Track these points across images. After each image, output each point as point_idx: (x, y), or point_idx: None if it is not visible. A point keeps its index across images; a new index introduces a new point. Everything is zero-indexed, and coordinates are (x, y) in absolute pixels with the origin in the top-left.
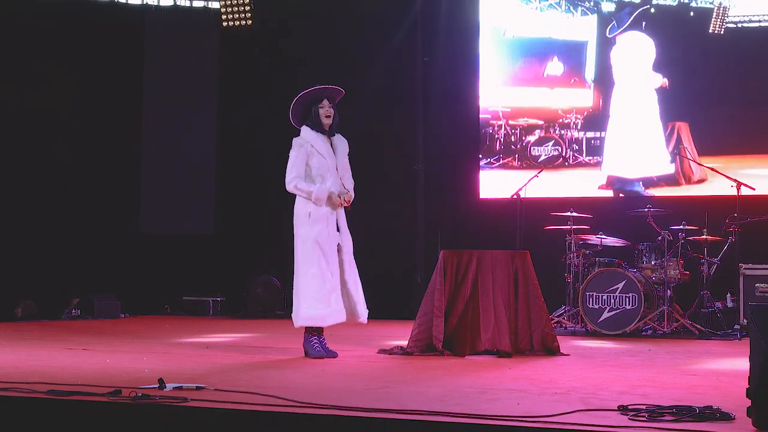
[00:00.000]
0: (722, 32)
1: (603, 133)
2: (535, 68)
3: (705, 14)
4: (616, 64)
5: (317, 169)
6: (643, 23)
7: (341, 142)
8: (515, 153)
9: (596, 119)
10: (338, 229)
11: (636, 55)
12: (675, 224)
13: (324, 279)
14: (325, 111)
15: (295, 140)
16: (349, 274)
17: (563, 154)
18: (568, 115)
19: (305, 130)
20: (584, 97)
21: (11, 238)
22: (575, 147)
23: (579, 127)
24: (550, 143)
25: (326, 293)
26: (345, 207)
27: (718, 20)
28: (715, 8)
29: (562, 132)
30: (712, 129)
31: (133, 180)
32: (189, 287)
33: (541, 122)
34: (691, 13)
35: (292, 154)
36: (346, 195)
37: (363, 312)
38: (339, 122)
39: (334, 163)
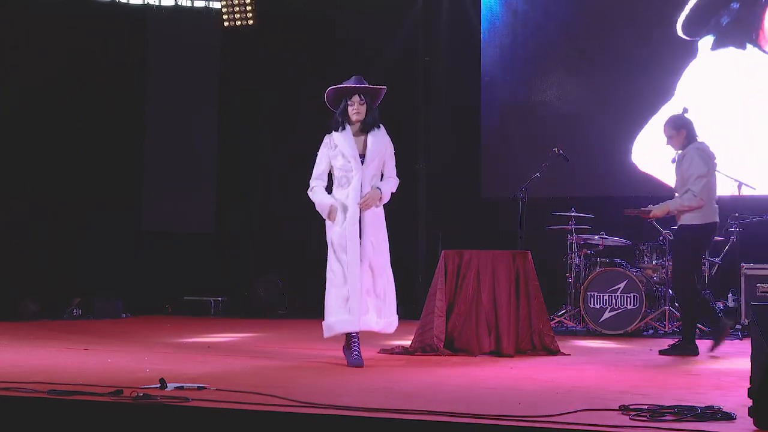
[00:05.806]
0: None
1: None
2: None
3: None
4: None
5: (340, 170)
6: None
7: (377, 140)
8: None
9: None
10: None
11: None
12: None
13: (336, 285)
14: (354, 108)
15: (325, 138)
16: (367, 282)
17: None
18: None
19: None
20: None
21: (13, 237)
22: None
23: None
24: None
25: (341, 300)
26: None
27: None
28: None
29: None
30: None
31: (134, 179)
32: (190, 287)
33: None
34: None
35: (319, 152)
36: (367, 200)
37: (376, 321)
38: (377, 117)
39: (359, 165)
